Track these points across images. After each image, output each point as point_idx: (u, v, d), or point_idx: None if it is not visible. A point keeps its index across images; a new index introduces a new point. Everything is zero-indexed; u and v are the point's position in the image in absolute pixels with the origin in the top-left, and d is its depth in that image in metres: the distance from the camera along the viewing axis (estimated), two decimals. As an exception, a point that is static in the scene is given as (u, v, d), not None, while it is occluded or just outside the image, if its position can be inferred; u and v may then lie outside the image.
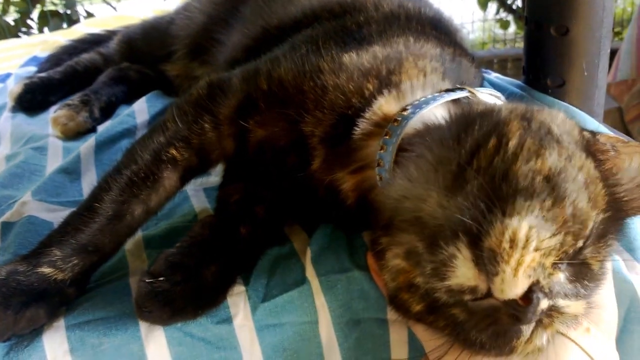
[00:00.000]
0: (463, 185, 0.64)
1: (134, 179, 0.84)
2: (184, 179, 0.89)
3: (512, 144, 0.66)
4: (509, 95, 0.91)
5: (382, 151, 0.79)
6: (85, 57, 1.68)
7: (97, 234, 0.81)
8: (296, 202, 0.91)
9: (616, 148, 0.74)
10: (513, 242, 0.59)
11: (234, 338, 0.80)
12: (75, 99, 1.42)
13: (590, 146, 0.73)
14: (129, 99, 1.51)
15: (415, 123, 0.79)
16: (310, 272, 0.83)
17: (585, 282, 0.66)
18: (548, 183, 0.63)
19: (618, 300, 0.81)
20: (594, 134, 0.76)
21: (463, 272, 0.61)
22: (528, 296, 0.60)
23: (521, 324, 0.62)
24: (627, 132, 3.42)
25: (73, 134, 1.35)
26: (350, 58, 0.86)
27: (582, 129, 0.76)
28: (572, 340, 0.69)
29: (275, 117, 0.86)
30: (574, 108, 0.97)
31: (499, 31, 4.50)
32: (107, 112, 1.45)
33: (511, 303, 0.60)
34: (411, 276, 0.68)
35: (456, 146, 0.69)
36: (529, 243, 0.60)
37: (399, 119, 0.80)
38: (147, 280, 0.75)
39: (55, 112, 1.39)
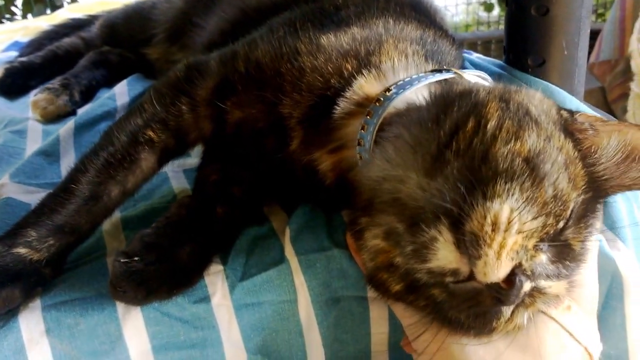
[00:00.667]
0: (442, 168, 0.63)
1: (110, 160, 0.84)
2: (162, 161, 0.88)
3: (491, 125, 0.66)
4: (490, 75, 0.90)
5: (363, 131, 0.78)
6: (67, 41, 1.67)
7: (73, 215, 0.81)
8: (275, 183, 0.91)
9: (595, 127, 0.73)
10: (495, 225, 0.59)
11: (212, 317, 0.79)
12: (55, 82, 1.41)
13: (569, 126, 0.72)
14: (110, 83, 1.50)
15: (397, 103, 0.78)
16: (289, 251, 0.83)
17: (567, 263, 0.66)
18: (528, 164, 0.63)
19: (599, 277, 0.81)
20: (572, 113, 0.75)
21: (444, 254, 0.61)
22: (510, 279, 0.60)
23: (504, 306, 0.62)
24: (610, 112, 3.42)
25: (53, 118, 1.34)
26: (328, 40, 0.85)
27: (560, 109, 0.76)
28: (553, 318, 0.69)
29: (252, 99, 0.86)
30: (555, 87, 0.96)
31: (483, 14, 4.51)
32: (88, 95, 1.44)
33: (494, 286, 0.60)
34: (391, 256, 0.67)
35: (435, 127, 0.68)
36: (511, 226, 0.59)
37: (382, 99, 0.79)
38: (121, 260, 0.75)
39: (35, 95, 1.38)
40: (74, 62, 1.57)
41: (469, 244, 0.59)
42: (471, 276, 0.60)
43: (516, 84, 0.93)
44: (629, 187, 0.75)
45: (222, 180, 0.92)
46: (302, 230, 0.85)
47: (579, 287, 0.71)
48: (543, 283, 0.64)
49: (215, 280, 0.81)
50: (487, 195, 0.60)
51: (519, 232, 0.60)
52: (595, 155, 0.72)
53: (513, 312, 0.65)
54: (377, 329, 0.84)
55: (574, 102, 0.95)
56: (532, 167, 0.63)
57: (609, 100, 3.44)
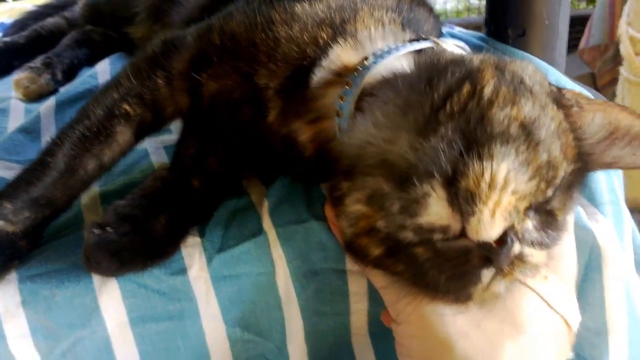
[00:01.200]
0: (436, 128, 0.63)
1: (86, 133, 0.83)
2: (138, 135, 0.88)
3: (488, 90, 0.66)
4: (471, 48, 0.90)
5: (341, 101, 0.77)
6: (50, 21, 1.66)
7: (49, 188, 0.80)
8: (253, 156, 0.90)
9: (580, 104, 0.74)
10: (492, 183, 0.59)
11: (190, 289, 0.79)
12: (37, 61, 1.40)
13: (559, 100, 0.73)
14: (93, 62, 1.49)
15: (377, 72, 0.77)
16: (267, 223, 0.82)
17: (550, 232, 0.66)
18: (524, 130, 0.63)
19: (579, 249, 0.81)
20: (559, 89, 0.76)
21: (436, 210, 0.60)
22: (503, 238, 0.60)
23: (493, 266, 0.62)
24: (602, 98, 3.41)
25: (35, 96, 1.33)
26: (303, 8, 0.84)
27: (551, 84, 0.76)
28: (530, 287, 0.70)
29: (228, 71, 0.85)
30: (536, 58, 0.96)
31: (474, 1, 4.51)
32: (70, 74, 1.43)
33: (485, 245, 0.60)
34: (372, 220, 0.67)
35: (428, 90, 0.68)
36: (508, 185, 0.60)
37: (360, 68, 0.78)
38: (95, 231, 0.75)
39: (17, 74, 1.37)
40: (57, 41, 1.56)
41: (463, 201, 0.59)
42: (462, 234, 0.60)
43: (497, 55, 0.93)
44: (610, 165, 0.76)
45: (198, 153, 0.92)
46: (280, 203, 0.85)
47: (557, 258, 0.72)
48: (527, 250, 0.64)
49: (193, 252, 0.80)
50: (484, 155, 0.60)
51: (514, 192, 0.60)
52: (580, 131, 0.73)
53: (491, 280, 0.64)
54: (356, 304, 0.84)
55: (554, 74, 0.95)
56: (527, 133, 0.63)
57: (599, 86, 3.44)
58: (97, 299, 0.77)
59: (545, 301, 0.70)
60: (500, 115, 0.64)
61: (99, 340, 0.78)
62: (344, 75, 0.80)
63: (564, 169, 0.66)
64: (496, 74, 0.69)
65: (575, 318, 0.73)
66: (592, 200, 0.87)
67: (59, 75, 1.40)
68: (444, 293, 0.66)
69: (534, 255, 0.65)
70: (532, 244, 0.65)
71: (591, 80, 3.51)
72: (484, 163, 0.60)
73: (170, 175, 0.89)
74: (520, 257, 0.64)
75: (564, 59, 1.03)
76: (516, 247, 0.62)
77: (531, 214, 0.64)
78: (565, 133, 0.69)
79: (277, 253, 0.81)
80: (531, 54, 0.97)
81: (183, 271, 0.79)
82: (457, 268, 0.63)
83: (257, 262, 0.81)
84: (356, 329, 0.86)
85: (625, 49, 2.96)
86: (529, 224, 0.64)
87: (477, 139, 0.62)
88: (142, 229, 0.78)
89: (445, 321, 0.68)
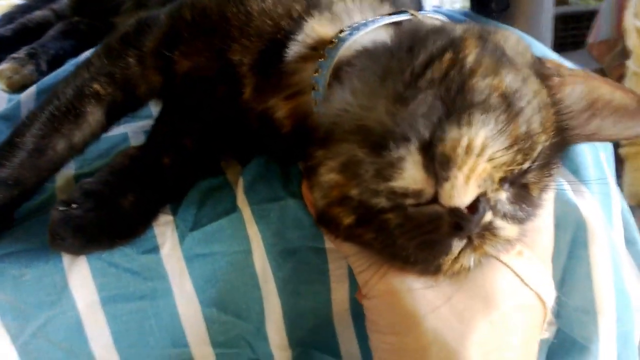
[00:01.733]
0: (415, 95, 0.62)
1: (55, 113, 0.82)
2: (110, 116, 0.86)
3: (470, 59, 0.65)
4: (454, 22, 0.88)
5: (316, 74, 0.76)
6: (38, 13, 1.64)
7: (17, 168, 0.79)
8: (230, 135, 0.88)
9: (561, 74, 0.73)
10: (469, 149, 0.58)
11: (162, 268, 0.77)
12: (21, 52, 1.39)
13: (541, 71, 0.72)
14: (79, 53, 1.45)
15: (355, 44, 0.76)
16: (241, 201, 0.81)
17: (524, 206, 0.65)
18: (504, 100, 0.62)
19: (564, 225, 0.80)
20: (540, 59, 0.75)
21: (411, 174, 0.59)
22: (474, 205, 0.59)
23: (462, 233, 0.61)
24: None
25: (19, 87, 1.32)
26: None
27: (534, 55, 0.75)
28: (503, 262, 0.68)
29: (200, 47, 0.83)
30: (519, 32, 0.94)
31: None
32: (55, 65, 1.41)
33: (456, 211, 0.59)
34: (345, 189, 0.65)
35: (409, 57, 0.67)
36: (484, 152, 0.59)
37: (335, 40, 0.76)
38: (59, 208, 0.73)
39: (0, 65, 1.35)
40: (44, 33, 1.54)
41: (439, 165, 0.58)
42: (434, 199, 0.59)
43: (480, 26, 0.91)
44: (589, 138, 0.74)
45: (171, 131, 0.90)
46: (256, 181, 0.83)
47: (532, 233, 0.70)
48: (498, 222, 0.63)
49: (165, 230, 0.79)
50: (463, 122, 0.59)
51: (491, 159, 0.59)
52: (561, 103, 0.71)
53: (460, 252, 0.63)
54: (336, 283, 0.83)
55: (539, 49, 0.93)
56: (508, 103, 0.62)
57: None
58: (67, 278, 0.75)
59: (519, 277, 0.68)
60: (482, 84, 0.63)
61: (69, 320, 0.77)
62: (320, 48, 0.78)
63: (542, 142, 0.65)
64: (479, 43, 0.68)
65: (550, 295, 0.71)
66: (578, 175, 0.85)
67: (43, 66, 1.38)
68: (413, 263, 0.65)
69: (506, 228, 0.64)
70: (505, 216, 0.63)
71: (601, 76, 3.48)
72: (463, 129, 0.59)
73: (140, 153, 0.87)
74: (491, 230, 0.63)
75: (550, 32, 1.00)
76: (487, 216, 0.61)
77: (506, 186, 0.63)
78: (547, 107, 0.68)
79: (253, 231, 0.79)
80: (516, 28, 0.95)
81: (155, 250, 0.78)
82: (427, 235, 0.61)
83: (231, 240, 0.79)
84: (337, 309, 0.85)
85: (632, 41, 2.94)
86: (503, 196, 0.63)
87: (456, 106, 0.61)
88: (109, 206, 0.76)
89: (414, 295, 0.66)
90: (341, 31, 0.78)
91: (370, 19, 0.79)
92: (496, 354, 0.65)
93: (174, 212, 0.81)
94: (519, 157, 0.62)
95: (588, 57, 3.49)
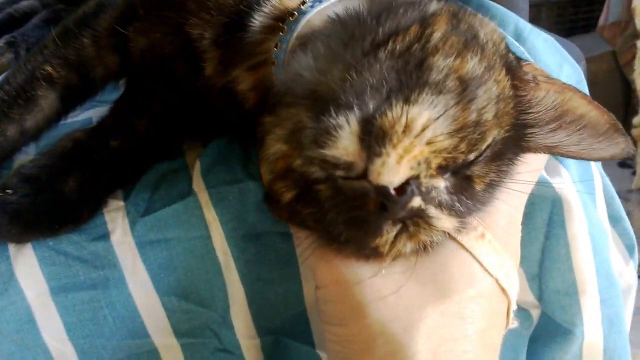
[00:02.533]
0: (372, 64, 0.59)
1: (4, 97, 0.79)
2: (65, 99, 0.84)
3: (436, 36, 0.62)
4: None
5: (276, 49, 0.72)
6: (24, 3, 1.62)
7: None
8: (191, 116, 0.85)
9: (537, 80, 0.69)
10: (408, 127, 0.55)
11: (113, 256, 0.75)
12: (0, 41, 1.37)
13: (512, 69, 0.68)
14: (61, 41, 1.45)
15: (316, 18, 0.72)
16: (197, 184, 0.77)
17: (464, 199, 0.61)
18: (461, 84, 0.59)
19: (539, 203, 0.77)
20: (519, 60, 0.71)
21: (345, 144, 0.56)
22: (403, 187, 0.55)
23: (387, 216, 0.58)
24: (623, 77, 3.33)
25: (-4, 76, 1.30)
26: None
27: (509, 50, 0.71)
28: (462, 245, 0.64)
29: (155, 23, 0.80)
30: (492, 3, 0.90)
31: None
32: (36, 53, 1.39)
33: (383, 190, 0.55)
34: (290, 160, 0.62)
35: (374, 25, 0.64)
36: (423, 134, 0.55)
37: (296, 13, 0.73)
38: None
39: (-22, 55, 1.34)
40: (31, 23, 1.52)
41: (374, 140, 0.55)
42: (364, 174, 0.56)
43: (450, 1, 0.87)
44: (550, 149, 0.70)
45: (121, 113, 0.87)
46: (215, 163, 0.80)
47: (491, 215, 0.67)
48: (433, 211, 0.59)
49: (116, 216, 0.76)
50: (410, 100, 0.56)
51: (429, 143, 0.56)
52: (528, 105, 0.68)
53: (397, 237, 0.60)
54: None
55: (512, 19, 0.89)
56: (464, 88, 0.59)
57: (622, 64, 3.35)
58: (13, 267, 0.73)
59: (479, 262, 0.64)
60: (442, 63, 0.59)
61: (19, 311, 0.74)
62: (285, 19, 0.74)
63: (494, 135, 0.61)
64: (451, 22, 0.65)
65: (512, 283, 0.67)
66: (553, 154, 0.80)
67: (23, 54, 1.36)
68: (345, 242, 0.62)
69: (441, 219, 0.60)
70: (440, 205, 0.59)
71: (613, 59, 3.42)
72: (407, 107, 0.56)
73: (86, 136, 0.83)
74: (424, 218, 0.59)
75: (527, 4, 0.95)
76: (415, 201, 0.57)
77: (447, 174, 0.59)
78: (506, 100, 0.63)
79: (211, 215, 0.76)
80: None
81: (105, 236, 0.75)
82: (353, 211, 0.58)
83: (187, 225, 0.76)
84: (310, 296, 0.81)
85: (640, 22, 2.89)
86: (440, 184, 0.59)
87: (410, 82, 0.58)
88: (47, 192, 0.74)
89: (362, 284, 0.63)
90: (303, 2, 0.74)
91: None
92: (449, 346, 0.62)
93: (126, 197, 0.79)
94: (463, 146, 0.58)
95: (599, 40, 3.43)
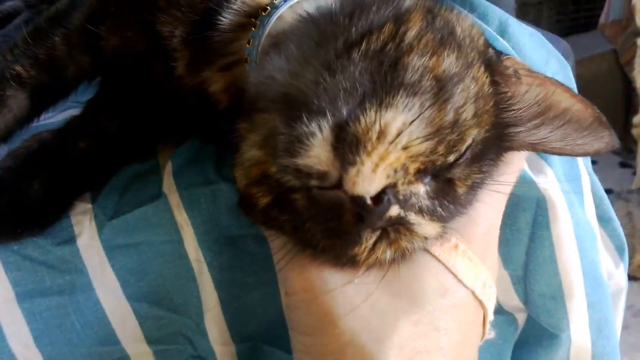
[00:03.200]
0: (345, 66, 0.56)
1: None
2: (36, 100, 0.81)
3: (410, 34, 0.59)
4: None
5: (249, 45, 0.70)
6: (9, 3, 1.60)
7: None
8: (165, 116, 0.83)
9: (519, 75, 0.66)
10: (382, 134, 0.52)
11: (79, 260, 0.73)
12: (-20, 42, 1.35)
13: (493, 64, 0.65)
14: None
15: (288, 14, 0.70)
16: (168, 186, 0.75)
17: (445, 203, 0.59)
18: (437, 83, 0.56)
19: (522, 204, 0.75)
20: (499, 55, 0.68)
21: (317, 152, 0.53)
22: (380, 196, 0.53)
23: (365, 226, 0.55)
24: (624, 75, 3.31)
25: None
26: None
27: (490, 45, 0.68)
28: (435, 257, 0.62)
29: (127, 21, 0.78)
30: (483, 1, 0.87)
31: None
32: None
33: (359, 200, 0.53)
34: (265, 167, 0.60)
35: (347, 24, 0.61)
36: (400, 139, 0.53)
37: (269, 8, 0.71)
38: None
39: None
40: (15, 25, 1.50)
41: (348, 148, 0.52)
42: (339, 184, 0.53)
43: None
44: (534, 147, 0.67)
45: (90, 114, 0.84)
46: (187, 164, 0.78)
47: (469, 222, 0.64)
48: (413, 217, 0.57)
49: (83, 219, 0.74)
50: (384, 103, 0.54)
51: (405, 148, 0.53)
52: (510, 102, 0.65)
53: (376, 244, 0.58)
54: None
55: (497, 13, 0.86)
56: (440, 87, 0.56)
57: (623, 63, 3.34)
58: (-23, 273, 0.70)
59: (453, 273, 0.62)
60: (417, 62, 0.57)
61: (-16, 317, 0.72)
62: (257, 16, 0.72)
63: (474, 135, 0.58)
64: (426, 18, 0.62)
65: (489, 294, 0.65)
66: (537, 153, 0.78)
67: (5, 55, 1.34)
68: (323, 250, 0.59)
69: (422, 225, 0.58)
70: (421, 211, 0.57)
71: (614, 57, 3.40)
72: (381, 111, 0.53)
73: (51, 136, 0.81)
74: (405, 225, 0.57)
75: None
76: (393, 210, 0.54)
77: (426, 179, 0.56)
78: (485, 98, 0.61)
79: (182, 218, 0.74)
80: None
81: (71, 240, 0.73)
82: (331, 222, 0.56)
83: (157, 229, 0.74)
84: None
85: (640, 21, 2.88)
86: (420, 189, 0.56)
87: (384, 84, 0.55)
88: (11, 194, 0.72)
89: (332, 293, 0.61)
90: None
91: None
92: (422, 357, 0.59)
93: (94, 200, 0.76)
94: (442, 148, 0.55)
95: (600, 39, 3.41)
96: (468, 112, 0.58)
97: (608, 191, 2.82)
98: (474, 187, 0.62)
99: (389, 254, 0.58)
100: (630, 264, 2.45)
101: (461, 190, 0.60)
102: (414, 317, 0.59)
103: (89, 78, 0.85)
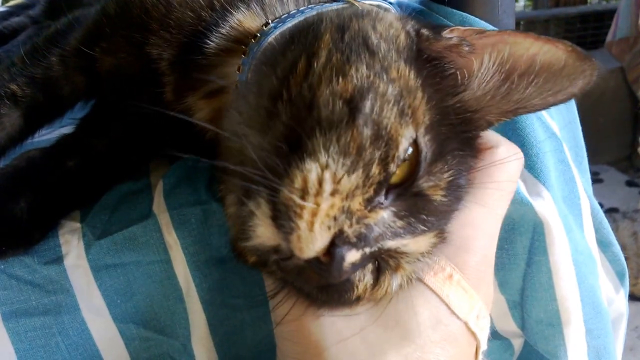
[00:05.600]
0: (273, 122, 0.55)
1: None
2: (32, 119, 0.81)
3: (319, 63, 0.56)
4: (412, 12, 0.80)
5: (238, 72, 0.69)
6: (15, 20, 1.62)
7: None
8: (158, 135, 0.82)
9: (469, 41, 0.61)
10: (304, 191, 0.51)
11: (66, 280, 0.72)
12: (-17, 57, 1.35)
13: (429, 45, 0.61)
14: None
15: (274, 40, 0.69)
16: (158, 206, 0.74)
17: (423, 217, 0.56)
18: (349, 106, 0.53)
19: (519, 228, 0.73)
20: (438, 30, 0.63)
21: (261, 231, 0.53)
22: (329, 252, 0.51)
23: (333, 281, 0.54)
24: (631, 93, 3.30)
25: (-22, 92, 1.28)
26: None
27: (421, 29, 0.63)
28: (429, 287, 0.60)
29: (121, 43, 0.78)
30: (474, 18, 0.86)
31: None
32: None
33: (313, 262, 0.52)
34: None
35: (270, 72, 0.59)
36: (322, 189, 0.51)
37: (259, 34, 0.70)
38: None
39: (-37, 71, 1.32)
40: (21, 40, 1.51)
41: (282, 217, 0.51)
42: (292, 253, 0.52)
43: (434, 18, 0.84)
44: (515, 112, 0.63)
45: (80, 132, 0.84)
46: (178, 183, 0.77)
47: (463, 252, 0.62)
48: (391, 243, 0.55)
49: (71, 238, 0.73)
50: (303, 155, 0.52)
51: (334, 193, 0.51)
52: (465, 80, 0.61)
53: (380, 277, 0.57)
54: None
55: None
56: (352, 109, 0.53)
57: (630, 80, 3.33)
58: (-39, 292, 0.69)
59: (446, 304, 0.60)
60: (327, 94, 0.54)
61: (-31, 337, 0.71)
62: (246, 42, 0.71)
63: (410, 135, 0.54)
64: (333, 38, 0.59)
65: (482, 326, 0.63)
66: (532, 164, 0.76)
67: (9, 71, 1.34)
68: (324, 302, 0.58)
69: (408, 244, 0.56)
70: (397, 235, 0.54)
71: (621, 75, 3.40)
72: (300, 166, 0.51)
73: (40, 154, 0.80)
74: (391, 251, 0.56)
75: (513, 19, 0.91)
76: (351, 256, 0.52)
77: (385, 202, 0.54)
78: (413, 92, 0.56)
79: (172, 238, 0.73)
80: (472, 13, 0.87)
81: (58, 260, 0.72)
82: (308, 284, 0.56)
83: (145, 249, 0.73)
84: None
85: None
86: (382, 215, 0.53)
87: (304, 132, 0.53)
88: None
89: (321, 324, 0.60)
90: (266, 24, 0.71)
91: (301, 9, 0.72)
92: None
93: (83, 219, 0.75)
94: (374, 168, 0.52)
95: (608, 56, 3.40)
96: (390, 116, 0.54)
97: (614, 210, 2.81)
98: (452, 186, 0.58)
99: (396, 282, 0.57)
100: (635, 284, 2.42)
101: (437, 196, 0.57)
102: (403, 351, 0.58)
103: (85, 98, 0.85)
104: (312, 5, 0.73)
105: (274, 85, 0.57)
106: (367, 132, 0.52)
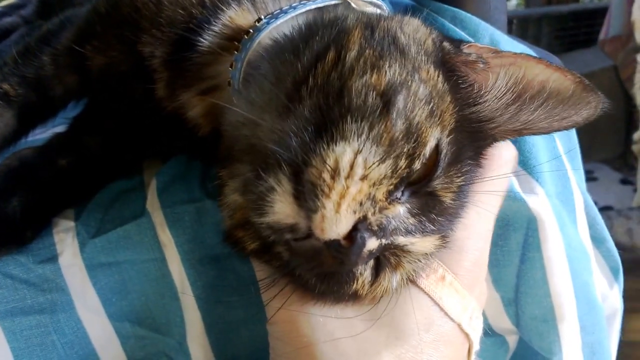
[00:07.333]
0: (295, 107, 0.55)
1: None
2: (24, 118, 0.80)
3: (351, 56, 0.57)
4: (404, 8, 0.80)
5: (231, 68, 0.69)
6: (7, 20, 1.61)
7: None
8: (151, 133, 0.82)
9: (485, 59, 0.64)
10: (335, 172, 0.51)
11: (61, 279, 0.72)
12: (-24, 58, 1.34)
13: (450, 58, 0.63)
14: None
15: (269, 36, 0.69)
16: (152, 204, 0.74)
17: (433, 217, 0.57)
18: (382, 99, 0.54)
19: (513, 225, 0.73)
20: (459, 44, 0.65)
21: (281, 207, 0.53)
22: (351, 235, 0.51)
23: (346, 267, 0.54)
24: (624, 91, 3.31)
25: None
26: None
27: (444, 40, 0.66)
28: (422, 289, 0.60)
29: (112, 41, 0.77)
30: (466, 14, 0.86)
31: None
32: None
33: (333, 244, 0.51)
34: (247, 212, 0.59)
35: (293, 60, 0.60)
36: (354, 172, 0.51)
37: (251, 31, 0.70)
38: None
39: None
40: (13, 40, 1.51)
41: (307, 195, 0.51)
42: (311, 232, 0.52)
43: (425, 14, 0.83)
44: (520, 132, 0.65)
45: (72, 131, 0.84)
46: (172, 181, 0.77)
47: (456, 253, 0.63)
48: (402, 240, 0.55)
49: (65, 237, 0.73)
50: (334, 138, 0.52)
51: (364, 178, 0.51)
52: (480, 94, 0.63)
53: (380, 273, 0.57)
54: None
55: (488, 30, 0.85)
56: (386, 102, 0.54)
57: (623, 78, 3.33)
58: (-44, 291, 0.69)
59: (439, 306, 0.60)
60: (359, 84, 0.55)
61: (-36, 336, 0.71)
62: (239, 39, 0.71)
63: (436, 136, 0.56)
64: (364, 34, 0.60)
65: (475, 326, 0.63)
66: (525, 160, 0.76)
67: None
68: (322, 293, 0.58)
69: (416, 243, 0.56)
70: (409, 232, 0.55)
71: (614, 73, 3.40)
72: (331, 147, 0.52)
73: (32, 153, 0.80)
74: (399, 248, 0.56)
75: (504, 16, 0.92)
76: (371, 244, 0.52)
77: (403, 197, 0.54)
78: (441, 95, 0.58)
79: (166, 237, 0.73)
80: (463, 9, 0.87)
81: (53, 259, 0.72)
82: (317, 269, 0.55)
83: (139, 247, 0.73)
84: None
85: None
86: (399, 210, 0.54)
87: (333, 117, 0.53)
88: None
89: (313, 323, 0.60)
90: (258, 20, 0.71)
91: (293, 5, 0.72)
92: None
93: (77, 217, 0.75)
94: (402, 162, 0.53)
95: (600, 54, 3.41)
96: (421, 115, 0.55)
97: (608, 208, 2.82)
98: (461, 191, 0.60)
99: (395, 280, 0.57)
100: (630, 282, 2.42)
101: (447, 199, 0.58)
102: (397, 351, 0.58)
103: (77, 97, 0.85)
104: (305, 2, 0.73)
105: (299, 72, 0.58)
106: (399, 125, 0.53)
